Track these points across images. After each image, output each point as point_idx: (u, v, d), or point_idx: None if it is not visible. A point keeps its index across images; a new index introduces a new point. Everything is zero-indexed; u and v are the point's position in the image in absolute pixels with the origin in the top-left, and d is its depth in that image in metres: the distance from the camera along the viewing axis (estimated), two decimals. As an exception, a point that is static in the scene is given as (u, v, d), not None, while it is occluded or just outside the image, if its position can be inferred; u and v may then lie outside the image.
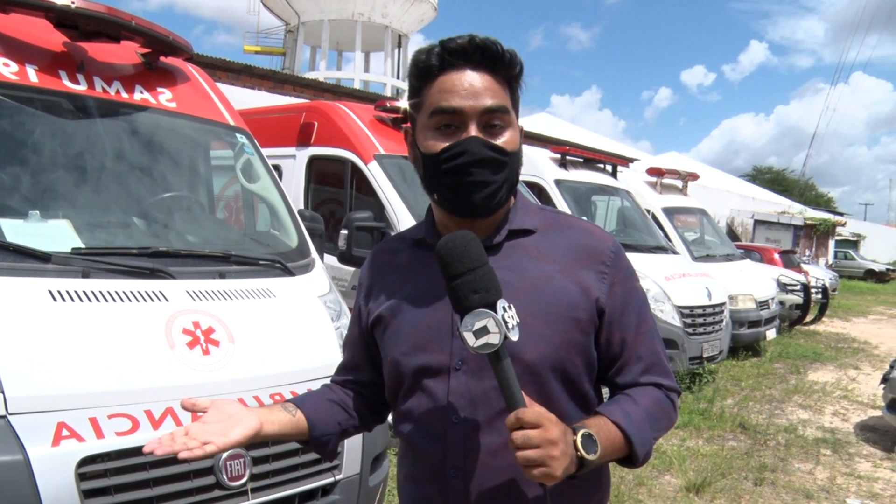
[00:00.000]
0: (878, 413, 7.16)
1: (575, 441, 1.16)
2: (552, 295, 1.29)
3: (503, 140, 1.28)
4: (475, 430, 1.27)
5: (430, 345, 1.31)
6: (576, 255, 1.34)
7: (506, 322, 1.13)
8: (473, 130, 1.26)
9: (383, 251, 1.52)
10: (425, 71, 1.30)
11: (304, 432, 1.40)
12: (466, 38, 1.27)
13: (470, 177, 1.26)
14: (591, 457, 1.16)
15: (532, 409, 1.12)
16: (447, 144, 1.27)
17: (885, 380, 6.64)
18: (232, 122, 3.86)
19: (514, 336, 1.14)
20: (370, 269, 1.51)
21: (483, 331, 1.12)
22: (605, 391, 1.44)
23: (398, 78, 41.96)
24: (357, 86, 32.36)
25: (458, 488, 1.29)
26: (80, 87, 3.13)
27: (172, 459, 2.27)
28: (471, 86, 1.26)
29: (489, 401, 1.26)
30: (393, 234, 5.12)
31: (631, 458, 1.29)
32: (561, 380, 1.30)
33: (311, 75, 30.10)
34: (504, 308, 1.14)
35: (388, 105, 6.10)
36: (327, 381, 2.89)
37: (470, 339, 1.12)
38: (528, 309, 1.24)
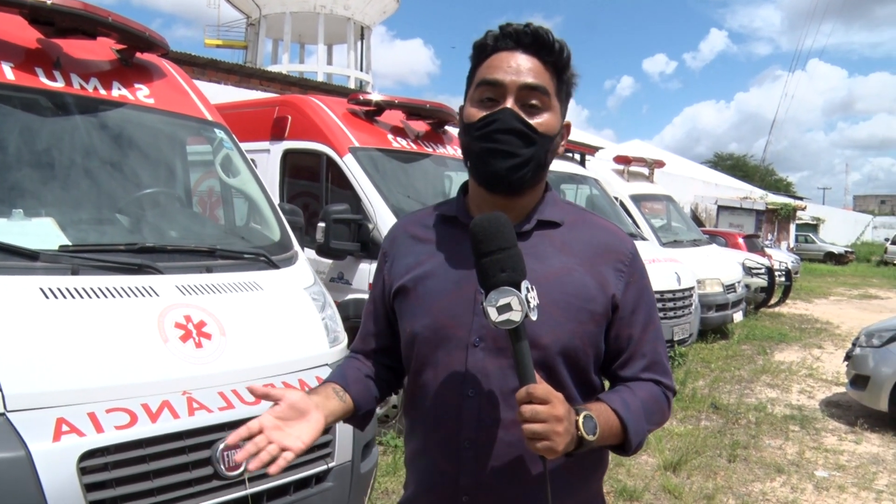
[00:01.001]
0: (842, 389, 7.43)
1: (577, 421, 1.22)
2: (572, 286, 1.35)
3: (537, 121, 1.35)
4: (489, 404, 1.33)
5: (452, 320, 1.36)
6: (597, 252, 1.41)
7: (528, 302, 1.19)
8: (509, 104, 1.34)
9: (410, 223, 1.56)
10: (480, 49, 1.39)
11: (350, 412, 1.47)
12: (522, 25, 1.36)
13: (496, 144, 1.33)
14: (590, 437, 1.23)
15: (542, 386, 1.19)
16: (484, 114, 1.35)
17: (847, 357, 6.87)
18: (209, 118, 3.86)
19: (534, 316, 1.20)
20: (395, 240, 1.55)
21: (506, 307, 1.18)
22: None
23: (361, 70, 41.72)
24: (321, 78, 32.10)
25: (470, 460, 1.34)
26: (58, 84, 3.12)
27: (171, 451, 2.32)
28: (516, 64, 1.35)
29: (505, 378, 1.32)
30: (370, 225, 5.15)
31: (624, 445, 1.36)
32: (571, 366, 1.36)
33: (273, 68, 29.73)
34: (527, 289, 1.20)
35: (361, 98, 6.11)
36: (318, 371, 2.94)
37: (493, 314, 1.18)
38: (548, 297, 1.31)
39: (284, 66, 36.95)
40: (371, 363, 1.58)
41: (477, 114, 1.36)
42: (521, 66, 1.34)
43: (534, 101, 1.35)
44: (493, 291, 1.19)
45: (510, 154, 1.33)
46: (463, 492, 1.35)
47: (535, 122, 1.35)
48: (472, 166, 1.40)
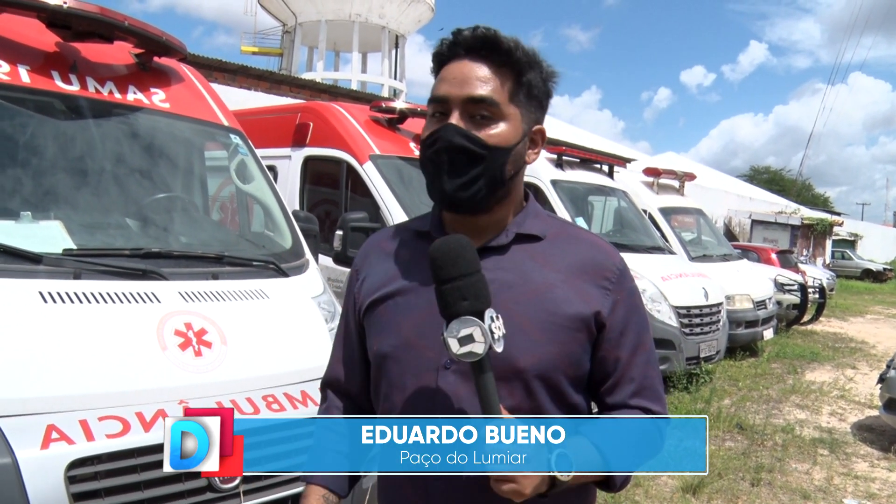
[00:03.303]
0: (875, 413, 7.16)
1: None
2: (553, 304, 1.27)
3: (486, 133, 1.27)
4: None
5: (422, 340, 1.29)
6: (581, 268, 1.32)
7: (492, 332, 1.12)
8: (455, 118, 1.27)
9: (383, 238, 1.49)
10: (437, 59, 1.35)
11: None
12: (470, 29, 1.29)
13: (441, 165, 1.27)
14: (563, 476, 1.14)
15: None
16: (430, 130, 1.30)
17: (881, 379, 6.63)
18: (226, 123, 3.85)
19: (499, 348, 1.14)
20: (367, 256, 1.48)
21: (468, 339, 1.12)
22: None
23: (395, 79, 41.95)
24: (354, 86, 32.30)
25: (438, 490, 1.27)
26: (73, 88, 3.12)
27: (162, 462, 2.27)
28: (462, 74, 1.28)
29: (475, 402, 1.23)
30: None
31: (609, 481, 1.27)
32: (551, 389, 1.28)
33: (308, 76, 30.08)
34: (492, 318, 1.14)
35: (384, 105, 6.09)
36: (318, 383, 2.88)
37: (454, 345, 1.12)
38: (527, 315, 1.24)
39: (319, 74, 37.28)
40: (342, 410, 1.50)
41: (426, 130, 1.31)
42: (466, 77, 1.27)
43: (483, 113, 1.27)
44: (454, 321, 1.12)
45: (455, 173, 1.26)
46: None
47: (483, 133, 1.27)
48: (427, 187, 1.34)
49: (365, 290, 1.42)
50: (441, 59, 1.33)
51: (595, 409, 1.40)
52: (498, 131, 1.28)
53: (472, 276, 1.15)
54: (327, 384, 1.55)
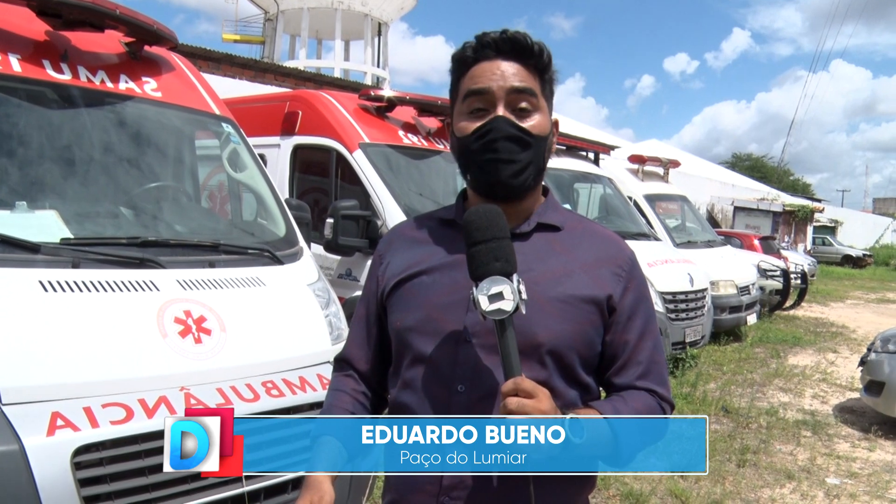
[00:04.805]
0: (856, 395, 7.31)
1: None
2: (570, 286, 1.35)
3: (530, 123, 1.36)
4: (479, 401, 1.30)
5: (445, 315, 1.35)
6: (596, 257, 1.41)
7: (520, 292, 1.19)
8: (501, 110, 1.35)
9: (408, 226, 1.56)
10: (461, 62, 1.41)
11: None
12: (499, 32, 1.37)
13: (496, 153, 1.34)
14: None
15: (529, 380, 1.18)
16: (478, 125, 1.35)
17: (862, 363, 6.76)
18: (217, 112, 3.85)
19: (524, 309, 1.20)
20: (391, 243, 1.54)
21: (498, 296, 1.18)
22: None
23: (378, 66, 41.73)
24: (337, 74, 32.09)
25: (453, 478, 1.31)
26: (65, 77, 3.11)
27: (167, 447, 2.29)
28: (500, 70, 1.36)
29: (496, 374, 1.29)
30: (379, 222, 5.13)
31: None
32: (565, 366, 1.34)
33: (290, 64, 29.82)
34: (518, 281, 1.21)
35: (373, 94, 6.09)
36: (320, 368, 2.92)
37: (484, 302, 1.18)
38: (546, 295, 1.31)
39: (301, 62, 37.00)
40: (353, 384, 1.53)
41: (470, 126, 1.37)
42: (505, 72, 1.36)
43: (523, 105, 1.36)
44: (485, 280, 1.20)
45: (510, 161, 1.34)
46: (445, 492, 1.32)
47: (527, 124, 1.36)
48: (473, 178, 1.41)
49: (390, 272, 1.48)
50: (467, 62, 1.39)
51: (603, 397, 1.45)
52: (537, 122, 1.37)
53: (503, 240, 1.23)
54: (341, 360, 1.59)
